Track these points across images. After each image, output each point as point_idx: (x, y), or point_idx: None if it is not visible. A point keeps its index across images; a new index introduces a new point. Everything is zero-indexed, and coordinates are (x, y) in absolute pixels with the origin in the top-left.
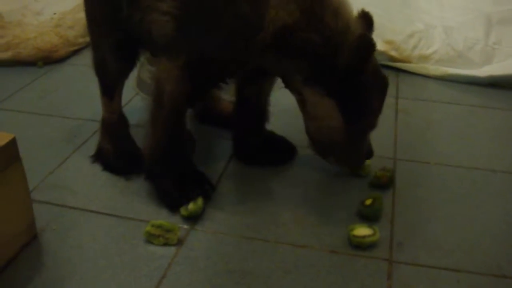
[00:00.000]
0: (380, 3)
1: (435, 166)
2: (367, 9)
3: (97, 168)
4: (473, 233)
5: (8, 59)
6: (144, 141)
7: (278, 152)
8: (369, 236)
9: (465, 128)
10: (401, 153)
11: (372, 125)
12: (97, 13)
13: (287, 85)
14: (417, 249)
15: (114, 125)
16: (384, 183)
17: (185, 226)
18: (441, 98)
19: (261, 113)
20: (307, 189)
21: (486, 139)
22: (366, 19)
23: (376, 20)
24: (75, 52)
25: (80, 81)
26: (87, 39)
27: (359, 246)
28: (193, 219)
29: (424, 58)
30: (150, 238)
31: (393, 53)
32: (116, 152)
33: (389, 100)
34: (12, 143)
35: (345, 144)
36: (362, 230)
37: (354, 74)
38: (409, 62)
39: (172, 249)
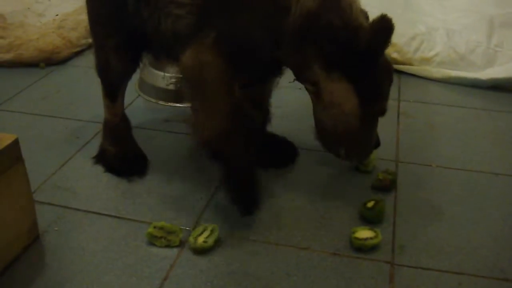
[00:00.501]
0: (382, 5)
1: (437, 169)
2: (369, 11)
3: (99, 169)
4: (475, 236)
5: (10, 60)
6: (198, 128)
7: (280, 153)
8: (371, 238)
9: (467, 130)
10: (403, 155)
11: (383, 109)
12: (100, 14)
13: (299, 77)
14: (419, 251)
15: (117, 127)
16: (386, 185)
17: (187, 228)
18: (443, 100)
19: (265, 114)
20: (308, 191)
21: (488, 142)
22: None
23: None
24: (77, 54)
25: (82, 82)
26: (89, 40)
27: (361, 248)
28: (194, 220)
29: (426, 61)
30: (152, 240)
31: (395, 55)
32: (119, 154)
33: (391, 103)
34: (15, 144)
35: (358, 130)
36: (364, 233)
37: (374, 55)
38: (411, 64)
39: (174, 251)
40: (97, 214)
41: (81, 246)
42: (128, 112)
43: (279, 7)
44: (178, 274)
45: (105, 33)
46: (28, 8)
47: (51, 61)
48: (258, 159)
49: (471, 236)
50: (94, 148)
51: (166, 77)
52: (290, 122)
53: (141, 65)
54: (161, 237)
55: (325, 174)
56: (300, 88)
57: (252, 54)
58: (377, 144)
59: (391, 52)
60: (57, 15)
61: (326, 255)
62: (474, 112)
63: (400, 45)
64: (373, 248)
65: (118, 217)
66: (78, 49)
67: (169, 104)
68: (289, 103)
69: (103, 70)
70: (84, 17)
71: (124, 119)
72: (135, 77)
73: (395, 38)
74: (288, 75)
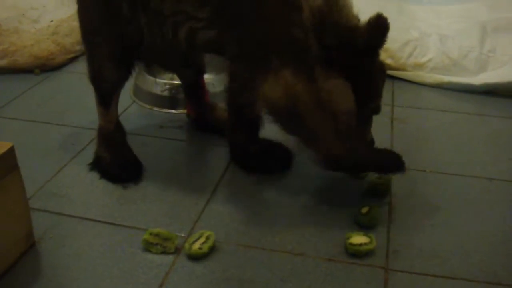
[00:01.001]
0: (375, 10)
1: (430, 174)
2: (362, 16)
3: (94, 176)
4: (469, 241)
5: (5, 66)
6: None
7: (276, 157)
8: (365, 244)
9: (460, 136)
10: None
11: (378, 107)
12: (93, 22)
13: None
14: (413, 256)
15: (111, 134)
16: (380, 191)
17: (183, 234)
18: (436, 106)
19: (256, 120)
20: (303, 197)
21: (482, 147)
22: None
23: None
24: (72, 60)
25: (77, 88)
26: None
27: (356, 254)
28: (190, 226)
29: (419, 66)
30: (147, 247)
31: (388, 61)
32: (114, 161)
33: (384, 108)
34: (10, 152)
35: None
36: (358, 238)
37: (371, 52)
38: (404, 70)
39: (170, 258)
40: (92, 221)
41: (77, 253)
42: (122, 118)
43: (292, 6)
44: (174, 280)
45: (98, 41)
46: (23, 14)
47: (46, 67)
48: (255, 164)
49: (465, 241)
50: (89, 155)
51: (160, 84)
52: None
53: (134, 72)
54: (156, 244)
55: (320, 180)
56: None
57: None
58: (371, 143)
59: (384, 58)
60: (51, 21)
61: (321, 261)
62: (467, 117)
63: (394, 50)
64: (367, 254)
65: (114, 224)
66: (73, 55)
67: (164, 110)
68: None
69: (96, 78)
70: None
71: (119, 126)
72: (130, 83)
73: (389, 43)
74: None
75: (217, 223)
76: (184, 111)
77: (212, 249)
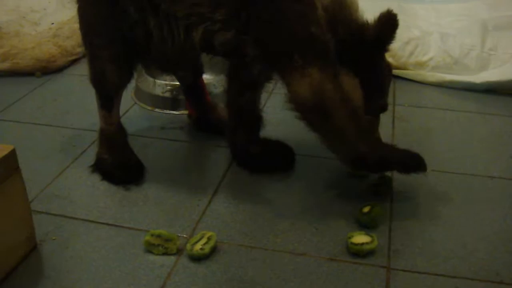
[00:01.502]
0: (376, 10)
1: (432, 173)
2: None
3: (96, 178)
4: (471, 239)
5: (6, 69)
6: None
7: (277, 157)
8: (367, 243)
9: (462, 134)
10: None
11: (385, 105)
12: (96, 23)
13: None
14: (415, 255)
15: (113, 136)
16: (381, 191)
17: (184, 235)
18: (437, 104)
19: (258, 120)
20: (305, 197)
21: (483, 145)
22: None
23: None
24: (73, 62)
25: (79, 91)
26: None
27: (358, 253)
28: (192, 227)
29: (421, 65)
30: (149, 248)
31: (389, 59)
32: (115, 162)
33: None
34: (12, 154)
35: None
36: (360, 238)
37: (381, 48)
38: (406, 69)
39: (172, 259)
40: (94, 223)
41: (79, 255)
42: (124, 120)
43: (308, 5)
44: (175, 281)
45: (100, 43)
46: (24, 17)
47: (47, 70)
48: (258, 163)
49: (467, 240)
50: (90, 157)
51: (162, 85)
52: (287, 128)
53: (135, 73)
54: (158, 245)
55: (321, 179)
56: None
57: None
58: None
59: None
60: (52, 23)
61: (322, 261)
62: (469, 116)
63: (395, 49)
64: (369, 253)
65: (116, 225)
66: (74, 57)
67: (165, 111)
68: (286, 109)
69: (98, 81)
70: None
71: (120, 128)
72: (131, 85)
73: None
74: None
75: (219, 224)
76: (186, 112)
77: (214, 249)
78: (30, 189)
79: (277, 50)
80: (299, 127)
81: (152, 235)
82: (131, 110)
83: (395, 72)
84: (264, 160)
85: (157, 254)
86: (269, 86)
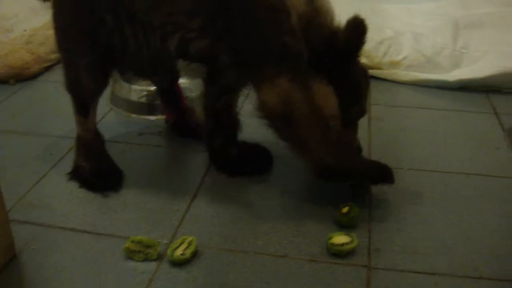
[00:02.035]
0: (349, 11)
1: (409, 172)
2: (337, 16)
3: (74, 185)
4: (449, 236)
5: None
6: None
7: (255, 160)
8: (347, 244)
9: (437, 132)
10: (375, 159)
11: (361, 110)
12: (72, 30)
13: None
14: (395, 254)
15: (90, 143)
16: (359, 190)
17: (165, 241)
18: (412, 103)
19: (235, 123)
20: (284, 198)
21: (458, 143)
22: None
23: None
24: (48, 69)
25: (54, 97)
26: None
27: (338, 254)
28: (172, 233)
29: (395, 64)
30: (130, 254)
31: (364, 60)
32: (93, 169)
33: None
34: None
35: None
36: (340, 238)
37: (351, 54)
38: (380, 68)
39: (153, 264)
40: (73, 231)
41: (58, 263)
42: (101, 126)
43: (282, 13)
44: (157, 287)
45: (77, 50)
46: None
47: (21, 77)
48: (236, 167)
49: (445, 237)
50: (68, 164)
51: (137, 90)
52: (264, 131)
53: (111, 79)
54: (139, 251)
55: (299, 181)
56: None
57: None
58: (358, 150)
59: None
60: (25, 30)
61: (303, 262)
62: (443, 114)
63: (369, 50)
64: (349, 253)
65: (95, 233)
66: (48, 64)
67: (142, 116)
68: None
69: (74, 88)
70: (53, 31)
71: (97, 134)
72: (107, 91)
73: None
74: None
75: (199, 228)
76: (162, 117)
77: (195, 254)
78: (8, 198)
79: (249, 59)
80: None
81: (132, 241)
82: (108, 116)
83: (370, 72)
84: (242, 163)
85: (138, 261)
86: (246, 90)
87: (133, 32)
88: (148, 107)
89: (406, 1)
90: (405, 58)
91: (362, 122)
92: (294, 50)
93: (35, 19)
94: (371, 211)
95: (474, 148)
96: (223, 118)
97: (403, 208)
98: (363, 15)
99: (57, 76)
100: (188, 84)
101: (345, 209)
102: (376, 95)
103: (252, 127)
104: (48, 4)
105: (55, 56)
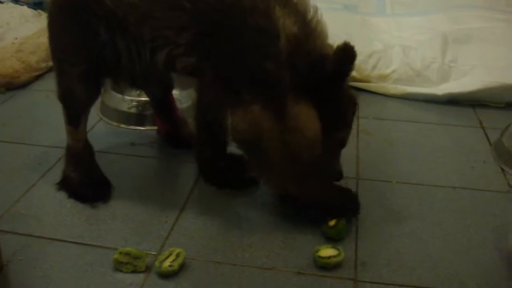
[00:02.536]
0: (339, 24)
1: (396, 185)
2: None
3: (62, 196)
4: (435, 250)
5: None
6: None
7: (244, 171)
8: (334, 256)
9: (424, 145)
10: (363, 172)
11: (344, 139)
12: (66, 41)
13: None
14: (381, 267)
15: (79, 153)
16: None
17: (153, 253)
18: (400, 116)
19: (224, 136)
20: (271, 211)
21: (446, 156)
22: None
23: (336, 41)
24: (38, 77)
25: (44, 107)
26: (50, 63)
27: (325, 266)
28: (160, 244)
29: (383, 78)
30: (118, 266)
31: (353, 73)
32: (82, 180)
33: None
34: None
35: (320, 158)
36: (327, 251)
37: (338, 80)
38: (369, 81)
39: (141, 276)
40: (62, 242)
41: (46, 274)
42: (90, 136)
43: (270, 36)
44: None
45: (70, 61)
46: None
47: (11, 85)
48: (225, 179)
49: (431, 250)
50: (57, 174)
51: (128, 101)
52: None
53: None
54: (127, 263)
55: None
56: None
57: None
58: (339, 175)
59: None
60: (16, 38)
61: (290, 275)
62: (431, 127)
63: (358, 62)
64: (336, 266)
65: (84, 244)
66: (38, 72)
67: (131, 127)
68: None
69: (66, 97)
70: (43, 40)
71: (87, 145)
72: (97, 101)
73: None
74: None
75: (187, 240)
76: (152, 127)
77: (183, 266)
78: None
79: (228, 81)
80: None
81: (120, 253)
82: (97, 126)
83: (359, 85)
84: (231, 175)
85: (126, 272)
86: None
87: (125, 45)
88: (137, 118)
89: (395, 15)
90: (394, 71)
91: (351, 136)
92: (273, 76)
93: (25, 28)
94: (358, 224)
95: (461, 162)
96: (214, 130)
97: (390, 222)
98: (353, 27)
99: (48, 85)
100: (178, 94)
101: (332, 222)
102: (364, 108)
103: None
104: (39, 13)
105: (45, 64)
